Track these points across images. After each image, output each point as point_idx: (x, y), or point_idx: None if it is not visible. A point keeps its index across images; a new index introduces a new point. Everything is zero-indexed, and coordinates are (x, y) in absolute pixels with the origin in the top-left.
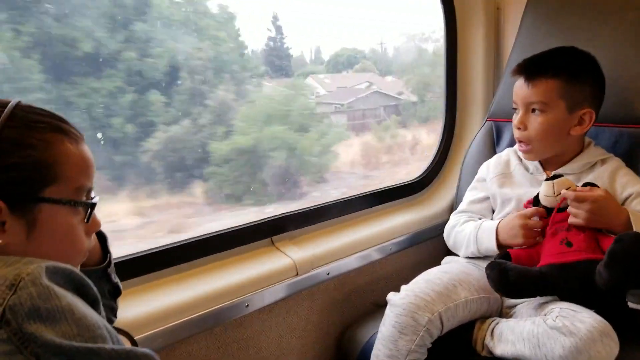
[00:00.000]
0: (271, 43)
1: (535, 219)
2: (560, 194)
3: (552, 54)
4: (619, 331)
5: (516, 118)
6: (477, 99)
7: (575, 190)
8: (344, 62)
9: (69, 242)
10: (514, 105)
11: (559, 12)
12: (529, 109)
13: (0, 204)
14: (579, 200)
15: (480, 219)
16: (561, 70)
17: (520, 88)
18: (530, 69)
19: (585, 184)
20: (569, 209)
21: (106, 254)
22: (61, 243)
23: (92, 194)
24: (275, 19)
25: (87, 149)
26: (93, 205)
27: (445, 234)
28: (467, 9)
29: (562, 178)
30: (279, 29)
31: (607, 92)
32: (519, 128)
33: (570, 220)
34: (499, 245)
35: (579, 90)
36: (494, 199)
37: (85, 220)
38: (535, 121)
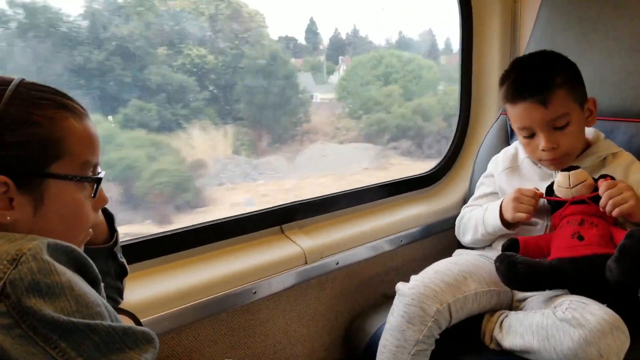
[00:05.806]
0: None
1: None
2: (575, 186)
3: (538, 66)
4: (631, 325)
5: (541, 140)
6: (492, 92)
7: (589, 183)
8: None
9: (75, 218)
10: (524, 132)
11: (577, 4)
12: (552, 127)
13: (7, 181)
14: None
15: None
16: (559, 75)
17: (533, 111)
18: (535, 88)
19: (601, 176)
20: (605, 203)
21: (113, 233)
22: (68, 219)
23: (99, 169)
24: None
25: (91, 124)
26: (99, 180)
27: (456, 229)
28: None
29: (578, 170)
30: None
31: (624, 86)
32: (553, 148)
33: (616, 212)
34: (505, 223)
35: (578, 85)
36: (502, 193)
37: (92, 196)
38: (566, 136)
